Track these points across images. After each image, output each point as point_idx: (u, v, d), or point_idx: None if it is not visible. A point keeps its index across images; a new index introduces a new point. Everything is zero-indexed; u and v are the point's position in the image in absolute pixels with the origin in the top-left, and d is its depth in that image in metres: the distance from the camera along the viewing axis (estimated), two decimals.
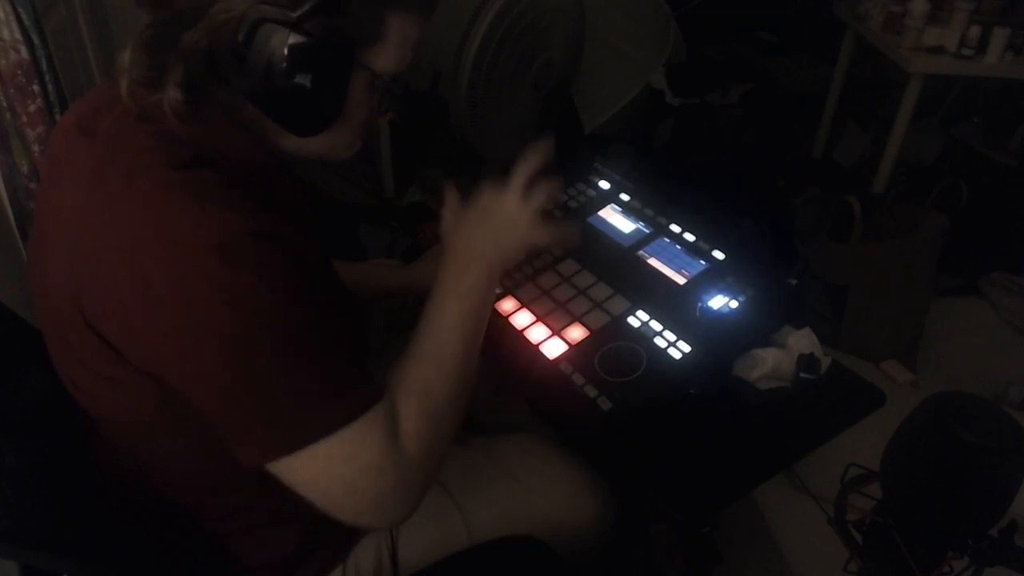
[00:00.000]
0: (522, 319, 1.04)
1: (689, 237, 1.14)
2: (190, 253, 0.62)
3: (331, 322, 0.69)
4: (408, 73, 0.78)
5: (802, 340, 1.00)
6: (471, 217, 0.85)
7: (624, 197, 1.23)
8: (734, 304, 1.03)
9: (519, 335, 1.02)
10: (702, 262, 1.09)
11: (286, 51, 0.65)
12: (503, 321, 1.05)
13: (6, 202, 1.34)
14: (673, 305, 1.03)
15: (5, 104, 1.30)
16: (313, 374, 0.66)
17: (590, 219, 1.21)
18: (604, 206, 1.22)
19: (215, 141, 0.70)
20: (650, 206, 1.20)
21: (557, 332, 1.02)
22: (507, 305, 1.07)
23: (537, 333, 1.02)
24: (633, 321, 1.02)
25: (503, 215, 0.84)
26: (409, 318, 1.34)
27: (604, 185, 1.27)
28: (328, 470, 0.68)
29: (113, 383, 0.71)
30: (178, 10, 0.66)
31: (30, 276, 0.80)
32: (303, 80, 0.67)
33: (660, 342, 0.99)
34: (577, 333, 1.01)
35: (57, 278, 0.71)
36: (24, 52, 1.28)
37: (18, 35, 1.26)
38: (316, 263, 0.71)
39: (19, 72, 1.29)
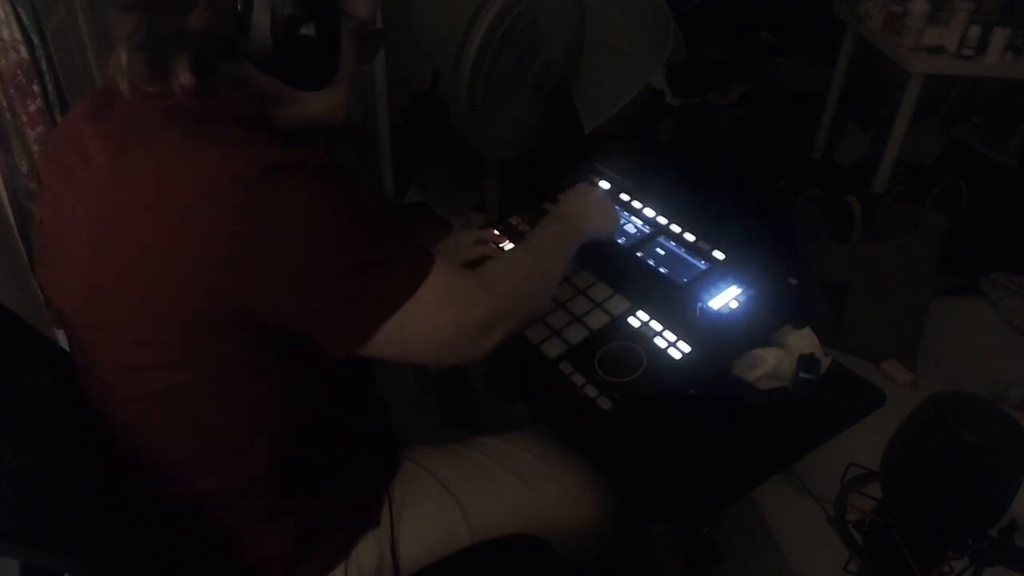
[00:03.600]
0: None
1: (689, 237, 1.14)
2: (238, 181, 0.64)
3: (377, 208, 0.72)
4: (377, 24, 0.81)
5: (802, 340, 1.00)
6: (581, 190, 1.09)
7: (624, 197, 1.23)
8: (734, 304, 1.03)
9: (519, 335, 1.02)
10: (702, 262, 1.09)
11: (288, 7, 0.69)
12: None
13: (6, 202, 1.34)
14: (673, 305, 1.03)
15: (5, 104, 1.29)
16: (381, 244, 0.72)
17: None
18: None
19: (228, 109, 0.72)
20: (650, 206, 1.20)
21: (557, 332, 1.02)
22: None
23: (537, 333, 1.02)
24: (633, 321, 1.02)
25: (604, 202, 1.09)
26: None
27: (604, 185, 1.26)
28: (430, 315, 0.74)
29: (160, 367, 0.72)
30: (167, 2, 0.68)
31: (45, 278, 0.80)
32: (307, 31, 0.71)
33: (660, 342, 0.99)
34: (577, 333, 1.01)
35: (107, 262, 0.71)
36: (24, 52, 1.28)
37: (18, 35, 1.26)
38: (349, 181, 0.74)
39: (19, 72, 1.29)
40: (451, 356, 0.80)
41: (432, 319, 0.75)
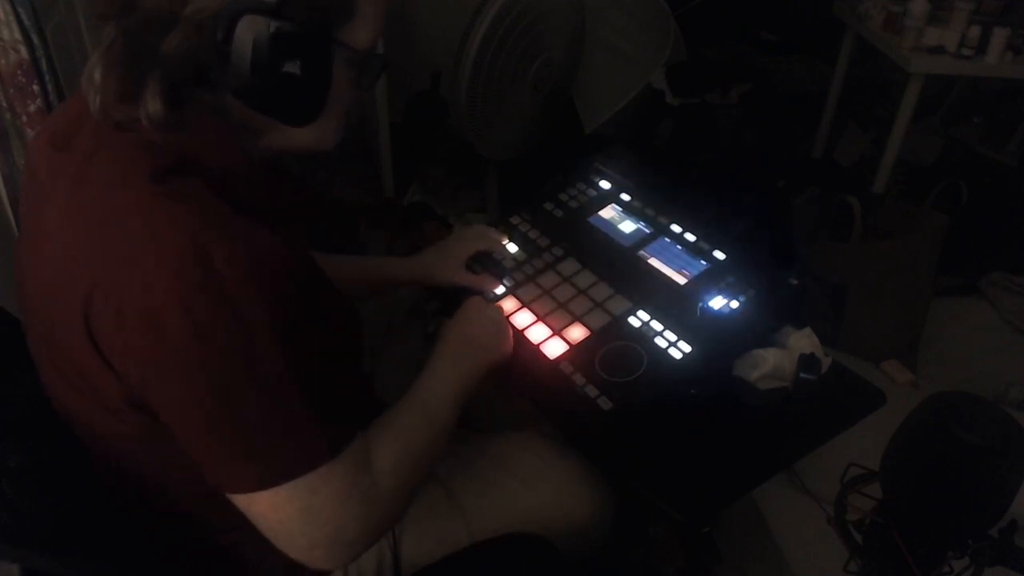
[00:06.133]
0: (523, 319, 1.04)
1: (690, 237, 1.14)
2: (165, 277, 0.60)
3: (314, 349, 0.67)
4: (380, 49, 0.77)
5: (803, 340, 1.00)
6: (471, 314, 0.95)
7: (625, 197, 1.23)
8: (735, 304, 1.03)
9: (520, 335, 1.02)
10: (703, 262, 1.09)
11: (270, 40, 0.63)
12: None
13: (6, 202, 1.34)
14: (674, 305, 1.03)
15: (5, 104, 1.30)
16: (284, 415, 0.66)
17: (591, 219, 1.21)
18: (605, 206, 1.23)
19: (198, 148, 0.68)
20: (651, 206, 1.20)
21: (558, 332, 1.02)
22: (508, 305, 1.07)
23: (538, 333, 1.02)
24: (634, 321, 1.02)
25: (495, 323, 0.96)
26: (406, 319, 1.34)
27: (605, 185, 1.27)
28: (290, 503, 0.68)
29: (108, 410, 0.70)
30: (144, 19, 0.63)
31: (19, 299, 0.78)
32: (292, 68, 0.65)
33: (661, 342, 0.99)
34: (578, 333, 1.01)
35: (53, 299, 0.69)
36: (24, 52, 1.28)
37: (18, 35, 1.26)
38: (302, 281, 0.69)
39: (19, 72, 1.29)
40: (298, 550, 0.72)
41: (288, 509, 0.68)
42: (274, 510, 0.68)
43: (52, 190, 0.70)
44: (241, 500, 0.68)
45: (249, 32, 0.63)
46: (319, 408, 0.68)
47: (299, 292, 0.67)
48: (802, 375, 0.94)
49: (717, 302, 1.03)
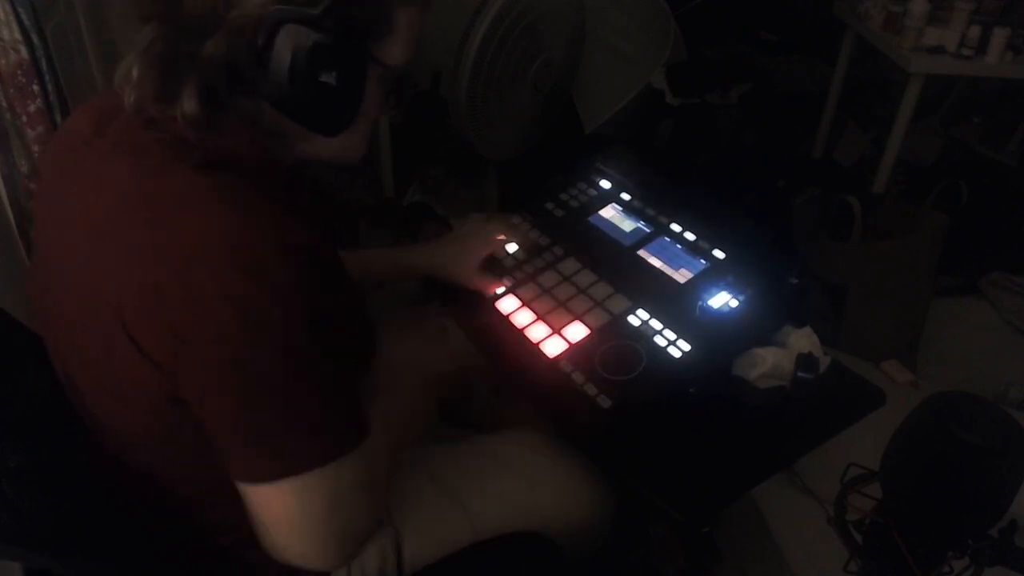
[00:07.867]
0: (522, 318, 1.04)
1: (689, 236, 1.14)
2: (209, 261, 0.61)
3: (339, 344, 0.68)
4: (411, 70, 0.79)
5: (802, 339, 1.00)
6: (404, 332, 0.99)
7: (625, 196, 1.23)
8: (734, 303, 1.03)
9: (519, 334, 1.02)
10: (702, 261, 1.09)
11: (310, 51, 0.65)
12: (503, 320, 1.05)
13: (6, 202, 1.34)
14: (673, 304, 1.03)
15: (5, 104, 1.29)
16: (311, 405, 0.66)
17: (591, 218, 1.21)
18: (605, 205, 1.23)
19: (230, 149, 0.69)
20: (651, 205, 1.20)
21: (557, 331, 1.02)
22: (507, 304, 1.07)
23: (537, 332, 1.02)
24: (633, 320, 1.02)
25: (429, 333, 1.00)
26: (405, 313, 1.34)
27: (605, 185, 1.27)
28: (316, 490, 0.69)
29: (126, 403, 0.70)
30: (188, 20, 0.65)
31: (34, 289, 0.78)
32: (328, 78, 0.67)
33: (660, 341, 0.99)
34: (577, 332, 1.01)
35: (82, 289, 0.69)
36: (24, 52, 1.28)
37: (18, 35, 1.26)
38: (333, 274, 0.71)
39: (19, 72, 1.29)
40: (297, 552, 0.73)
41: (299, 507, 0.69)
42: (298, 500, 0.69)
43: (88, 177, 0.71)
44: (264, 492, 0.68)
45: (290, 41, 0.64)
46: (346, 397, 0.69)
47: (330, 286, 0.68)
48: (799, 374, 0.94)
49: (716, 301, 1.03)
